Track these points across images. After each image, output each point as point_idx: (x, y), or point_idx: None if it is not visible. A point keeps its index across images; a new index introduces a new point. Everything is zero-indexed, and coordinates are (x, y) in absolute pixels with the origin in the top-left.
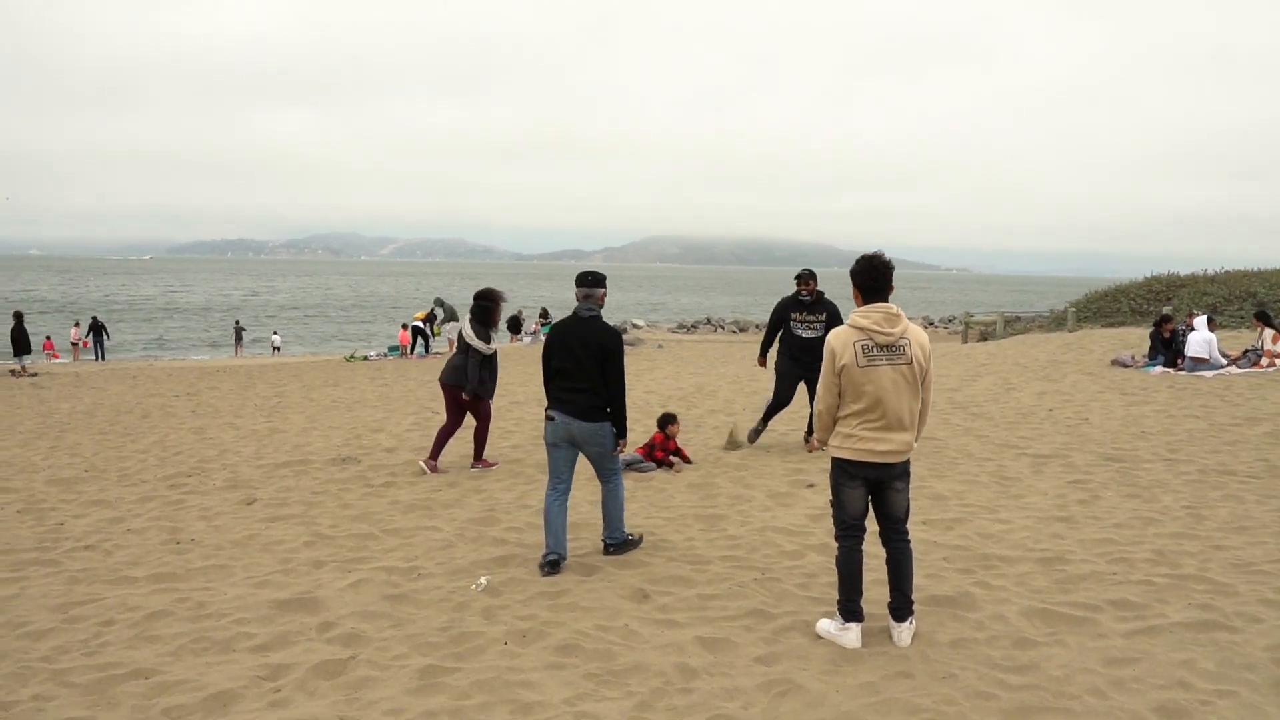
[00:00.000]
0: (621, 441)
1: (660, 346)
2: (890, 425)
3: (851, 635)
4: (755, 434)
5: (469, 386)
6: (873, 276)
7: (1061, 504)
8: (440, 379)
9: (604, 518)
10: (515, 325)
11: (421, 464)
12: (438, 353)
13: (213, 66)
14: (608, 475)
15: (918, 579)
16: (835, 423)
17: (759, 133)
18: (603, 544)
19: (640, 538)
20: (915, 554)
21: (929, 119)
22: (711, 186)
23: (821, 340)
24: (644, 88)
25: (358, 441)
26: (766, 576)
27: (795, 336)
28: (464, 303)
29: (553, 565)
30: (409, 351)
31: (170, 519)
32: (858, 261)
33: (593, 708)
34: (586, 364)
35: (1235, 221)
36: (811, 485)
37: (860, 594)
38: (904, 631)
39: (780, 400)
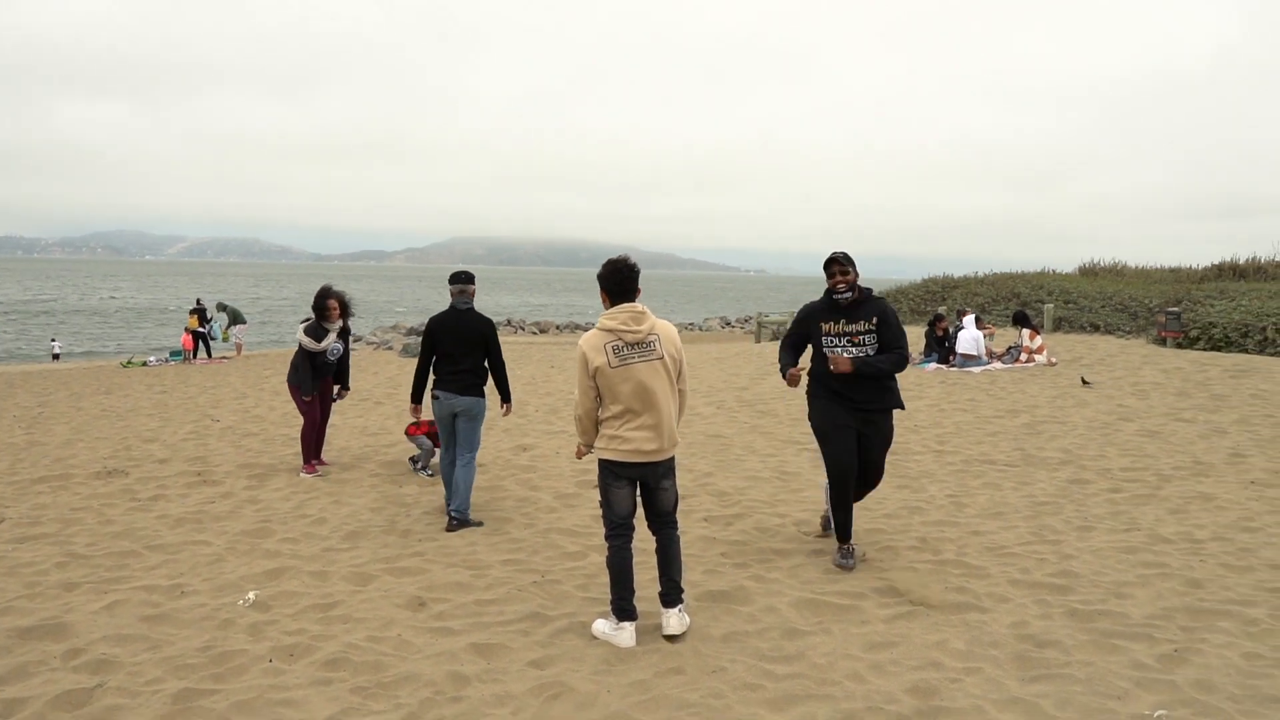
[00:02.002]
0: (507, 404)
1: None
2: (653, 423)
3: (626, 634)
4: (827, 522)
5: (292, 379)
6: (618, 280)
7: None
8: (296, 382)
9: (454, 491)
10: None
11: (301, 473)
12: (224, 357)
13: (11, 55)
14: (469, 448)
15: (695, 575)
16: (597, 426)
17: (580, 138)
18: (449, 516)
19: (480, 522)
20: (695, 551)
21: (744, 130)
22: (524, 188)
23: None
24: (470, 90)
25: (128, 453)
26: (546, 579)
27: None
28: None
29: (458, 520)
30: (191, 356)
31: None
32: (604, 266)
33: None
34: (468, 349)
35: (1011, 227)
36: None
37: (632, 592)
38: (672, 618)
39: (841, 466)
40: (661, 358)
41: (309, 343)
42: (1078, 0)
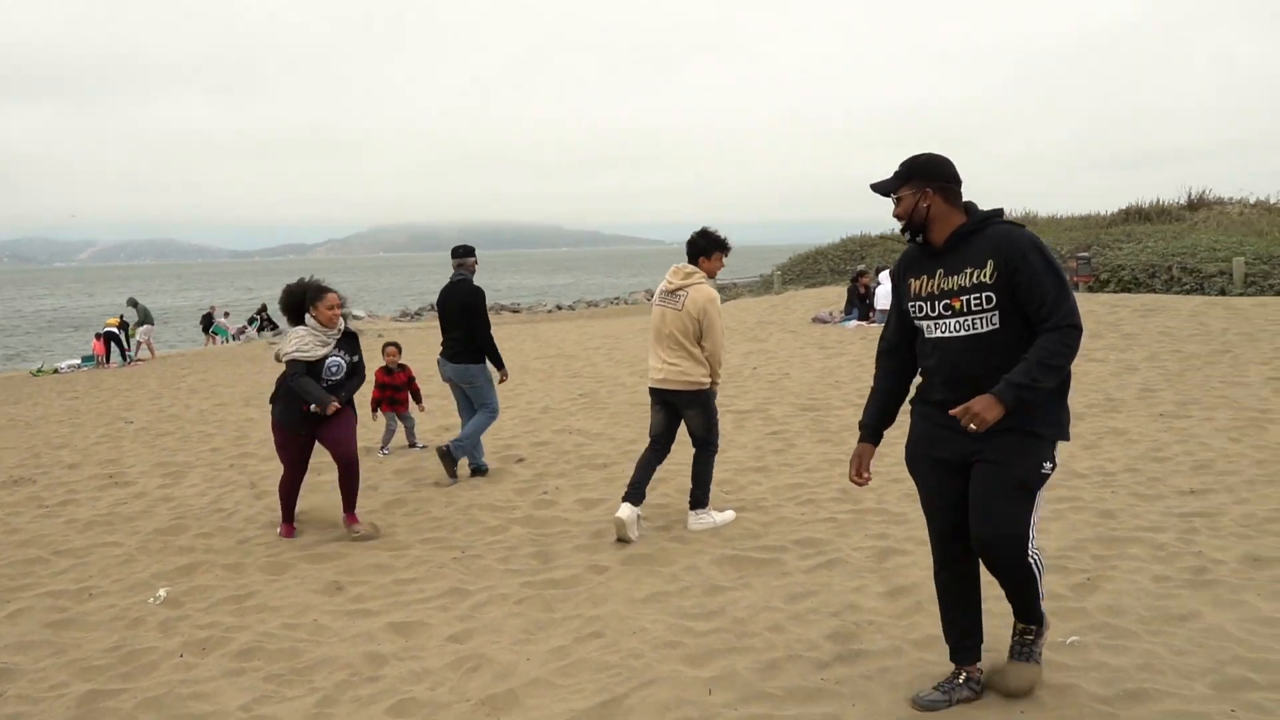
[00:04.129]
0: (503, 372)
1: (381, 335)
2: (657, 355)
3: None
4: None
5: (279, 415)
6: (687, 246)
7: (759, 455)
8: (277, 417)
9: (463, 434)
10: (207, 323)
11: (279, 533)
12: (140, 360)
13: None
14: (483, 406)
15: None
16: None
17: (503, 123)
18: (447, 447)
19: (486, 468)
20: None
21: (671, 105)
22: (446, 174)
23: (983, 343)
24: (394, 83)
25: (36, 461)
26: (466, 555)
27: (927, 342)
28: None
29: (475, 470)
30: (105, 361)
31: None
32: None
33: (272, 710)
34: (455, 318)
35: None
36: (520, 460)
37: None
38: (689, 518)
39: (932, 528)
40: (680, 309)
41: (297, 351)
42: None
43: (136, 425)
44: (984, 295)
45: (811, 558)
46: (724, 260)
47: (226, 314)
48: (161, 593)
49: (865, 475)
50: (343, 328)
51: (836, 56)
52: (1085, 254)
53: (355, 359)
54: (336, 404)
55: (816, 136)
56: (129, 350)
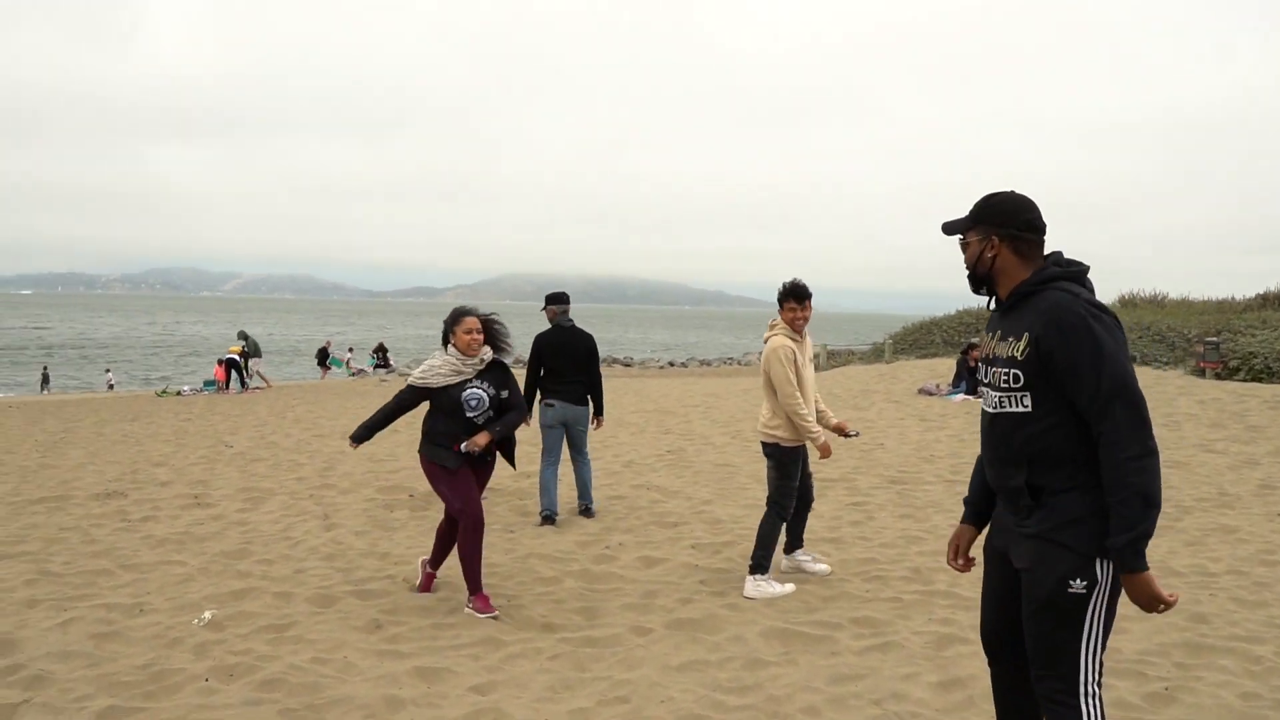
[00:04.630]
0: (600, 418)
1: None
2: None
3: (779, 588)
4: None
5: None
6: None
7: (835, 525)
8: (426, 454)
9: (582, 488)
10: (322, 356)
11: (419, 564)
12: (257, 388)
13: (105, 101)
14: (583, 449)
15: (669, 601)
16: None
17: (632, 179)
18: (584, 508)
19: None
20: (674, 579)
21: (796, 169)
22: (575, 227)
23: (1013, 426)
24: (528, 137)
25: (133, 476)
26: (512, 604)
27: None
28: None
29: (549, 519)
30: (225, 386)
31: None
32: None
33: None
34: (582, 362)
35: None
36: (411, 495)
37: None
38: (747, 584)
39: (982, 622)
40: (761, 361)
41: (418, 376)
42: (1139, 36)
43: (235, 450)
44: (1012, 373)
45: (866, 638)
46: (798, 311)
47: (350, 350)
48: (206, 615)
49: (961, 560)
50: (488, 357)
51: (970, 124)
52: (1214, 339)
53: (504, 393)
54: (481, 441)
55: (945, 205)
56: (247, 378)
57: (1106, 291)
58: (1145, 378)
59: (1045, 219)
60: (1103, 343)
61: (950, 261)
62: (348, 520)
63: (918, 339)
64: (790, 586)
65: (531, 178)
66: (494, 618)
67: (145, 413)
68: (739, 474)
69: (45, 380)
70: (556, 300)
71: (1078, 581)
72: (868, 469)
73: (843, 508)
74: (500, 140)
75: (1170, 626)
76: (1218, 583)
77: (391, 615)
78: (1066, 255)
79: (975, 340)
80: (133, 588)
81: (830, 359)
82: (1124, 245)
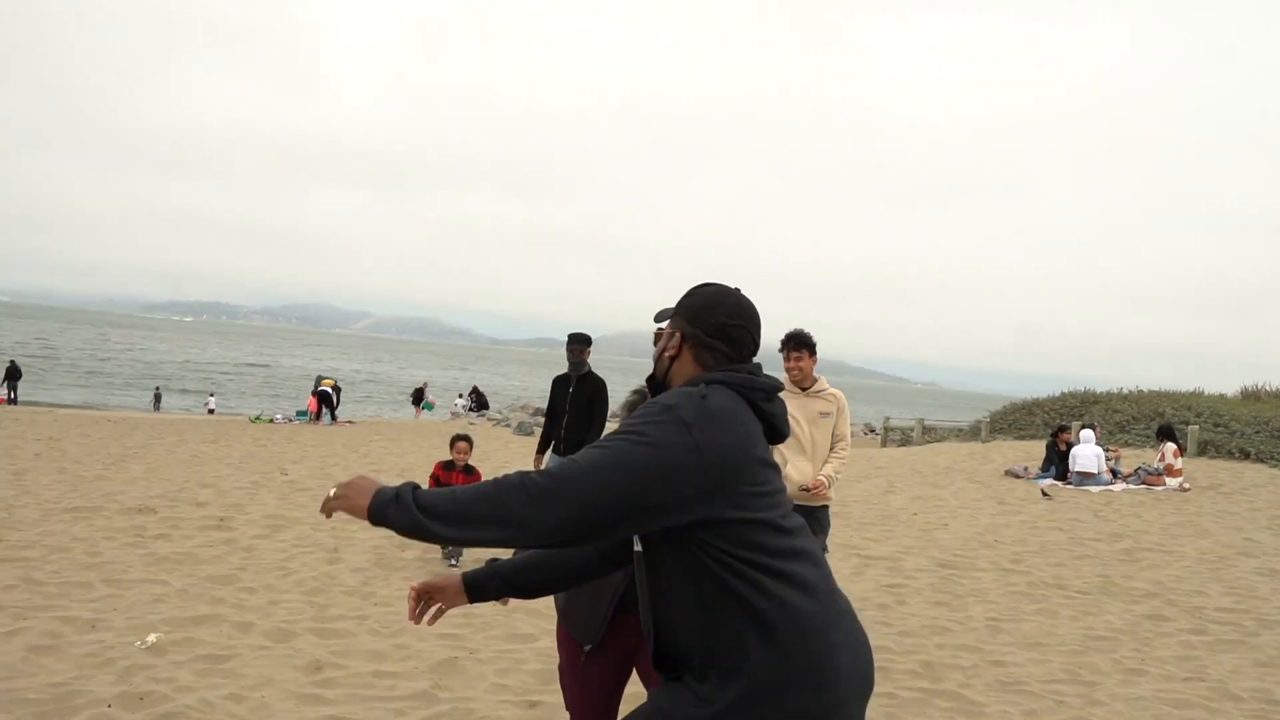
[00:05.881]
0: None
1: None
2: None
3: None
4: None
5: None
6: None
7: (860, 607)
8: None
9: None
10: (418, 397)
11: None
12: (349, 421)
13: (280, 144)
14: None
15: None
16: None
17: (775, 245)
18: None
19: None
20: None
21: (934, 245)
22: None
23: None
24: (675, 201)
25: (177, 494)
26: (471, 656)
27: None
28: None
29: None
30: (316, 417)
31: None
32: None
33: None
34: (579, 409)
35: (1205, 350)
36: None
37: None
38: None
39: None
40: None
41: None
42: None
43: (289, 478)
44: None
45: None
46: (792, 362)
47: (461, 395)
48: (151, 638)
49: None
50: None
51: (1111, 208)
52: None
53: None
54: None
55: (1078, 291)
56: (337, 409)
57: (1229, 383)
58: (1258, 475)
59: (760, 334)
60: (631, 427)
61: (1085, 344)
62: (353, 556)
63: (1018, 419)
64: None
65: (664, 236)
66: None
67: (227, 436)
68: None
69: (157, 399)
70: (576, 340)
71: None
72: (920, 549)
73: (877, 589)
74: (641, 196)
75: None
76: (1277, 714)
77: (340, 657)
78: (1203, 342)
79: (1067, 424)
80: (101, 603)
81: (925, 434)
82: (1260, 336)
